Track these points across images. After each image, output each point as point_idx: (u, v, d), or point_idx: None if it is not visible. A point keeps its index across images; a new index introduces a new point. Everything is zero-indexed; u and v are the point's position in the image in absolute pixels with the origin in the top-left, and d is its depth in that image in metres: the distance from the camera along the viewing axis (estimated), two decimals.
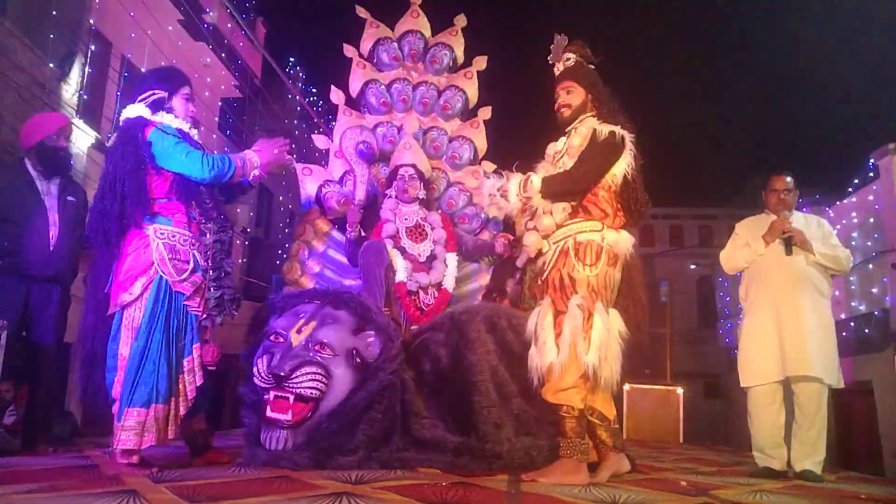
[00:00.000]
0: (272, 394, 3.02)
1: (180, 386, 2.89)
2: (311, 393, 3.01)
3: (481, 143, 5.18)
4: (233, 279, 3.18)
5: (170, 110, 3.09)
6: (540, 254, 3.00)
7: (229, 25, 12.91)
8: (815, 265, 3.70)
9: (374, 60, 5.21)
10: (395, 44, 5.23)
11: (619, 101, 3.06)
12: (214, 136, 11.96)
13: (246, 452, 3.13)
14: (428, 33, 5.31)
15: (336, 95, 5.02)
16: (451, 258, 4.51)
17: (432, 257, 4.45)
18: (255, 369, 3.07)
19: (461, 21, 5.38)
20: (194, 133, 3.16)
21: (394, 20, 5.32)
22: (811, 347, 3.56)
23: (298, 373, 2.99)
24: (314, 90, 15.94)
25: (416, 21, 5.29)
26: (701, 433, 11.27)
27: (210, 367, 3.09)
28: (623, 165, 2.89)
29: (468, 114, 5.30)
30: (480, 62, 5.32)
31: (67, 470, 2.79)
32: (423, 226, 4.52)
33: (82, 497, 2.13)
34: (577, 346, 2.71)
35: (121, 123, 3.08)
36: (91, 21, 8.74)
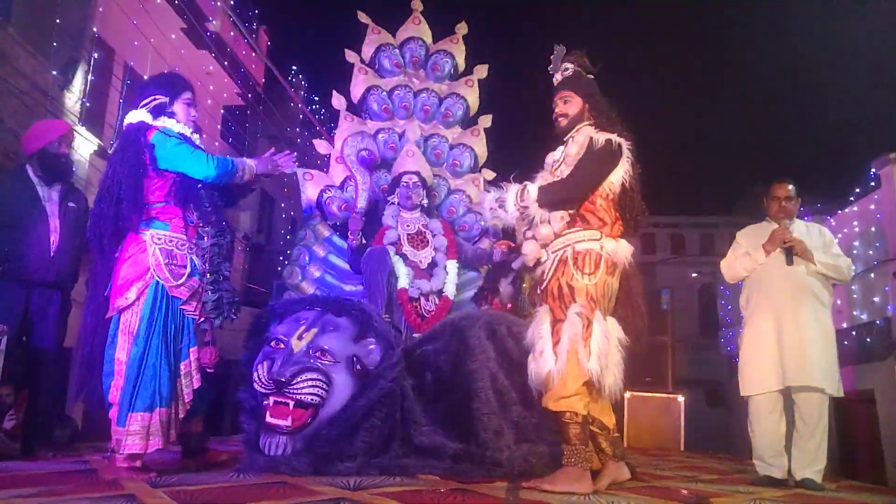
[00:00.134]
0: (272, 399, 3.02)
1: (178, 389, 2.90)
2: (312, 399, 3.00)
3: (482, 150, 5.20)
4: (231, 283, 3.17)
5: (171, 115, 3.10)
6: (538, 263, 2.99)
7: (232, 34, 12.99)
8: (815, 274, 3.69)
9: (376, 67, 5.23)
10: (397, 50, 5.25)
11: (617, 110, 3.06)
12: (217, 143, 12.00)
13: (245, 458, 3.12)
14: (429, 40, 5.34)
15: (337, 101, 5.03)
16: (452, 265, 4.52)
17: (433, 264, 4.46)
18: (255, 375, 3.07)
19: (462, 29, 5.40)
20: (196, 138, 3.17)
21: (395, 27, 5.35)
22: (812, 357, 3.55)
23: (299, 379, 2.99)
24: (316, 98, 16.01)
25: (418, 28, 5.31)
26: (702, 441, 11.24)
27: (209, 370, 3.09)
28: (620, 173, 2.88)
29: (469, 122, 5.32)
30: (481, 70, 5.35)
31: (66, 475, 2.79)
32: (425, 233, 4.54)
33: (80, 502, 2.13)
34: (578, 353, 2.69)
35: (123, 129, 3.10)
36: (94, 29, 8.80)
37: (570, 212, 2.91)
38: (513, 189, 2.97)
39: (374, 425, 3.09)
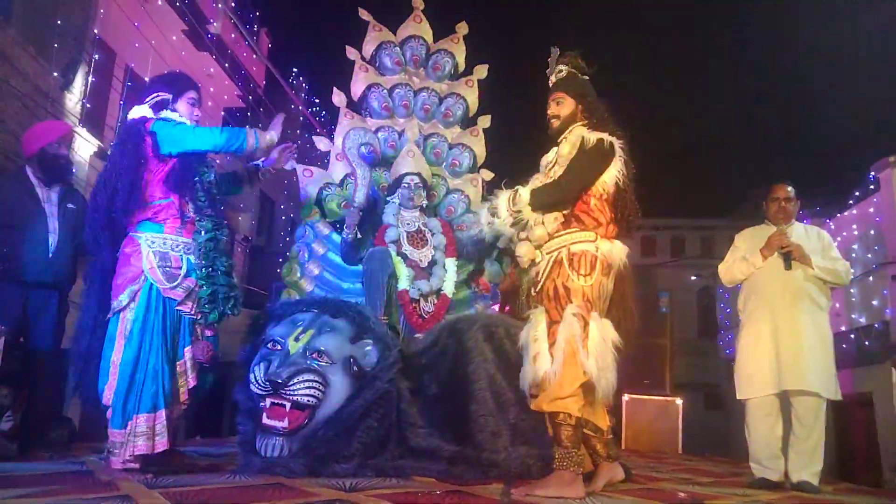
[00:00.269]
0: (268, 401, 3.02)
1: (176, 389, 2.91)
2: (308, 400, 3.01)
3: (480, 151, 5.21)
4: (231, 278, 3.15)
5: (173, 112, 3.11)
6: (533, 264, 2.98)
7: (233, 36, 13.00)
8: (813, 278, 3.69)
9: (377, 64, 5.23)
10: (398, 48, 5.25)
11: (610, 111, 3.06)
12: None
13: (241, 459, 3.13)
14: (430, 39, 5.34)
15: (338, 97, 5.04)
16: (451, 263, 4.54)
17: (433, 263, 4.48)
18: (251, 376, 3.07)
19: (463, 29, 5.41)
20: None
21: (396, 25, 5.35)
22: (808, 362, 3.54)
23: (295, 380, 3.00)
24: (317, 100, 16.02)
25: (419, 26, 5.31)
26: (701, 444, 11.23)
27: (204, 365, 3.09)
28: (614, 172, 2.88)
29: (468, 122, 5.33)
30: (481, 70, 5.36)
31: (62, 475, 2.80)
32: (424, 231, 4.55)
33: (76, 502, 2.13)
34: (577, 354, 2.69)
35: (124, 124, 3.12)
36: (95, 31, 8.81)
37: (564, 212, 2.90)
38: (504, 195, 2.96)
39: (371, 426, 3.10)
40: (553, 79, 3.14)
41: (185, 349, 2.96)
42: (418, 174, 4.57)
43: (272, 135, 3.17)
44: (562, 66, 3.11)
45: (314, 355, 3.11)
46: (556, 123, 3.07)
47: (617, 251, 2.87)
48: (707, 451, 9.15)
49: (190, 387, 2.98)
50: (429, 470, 3.09)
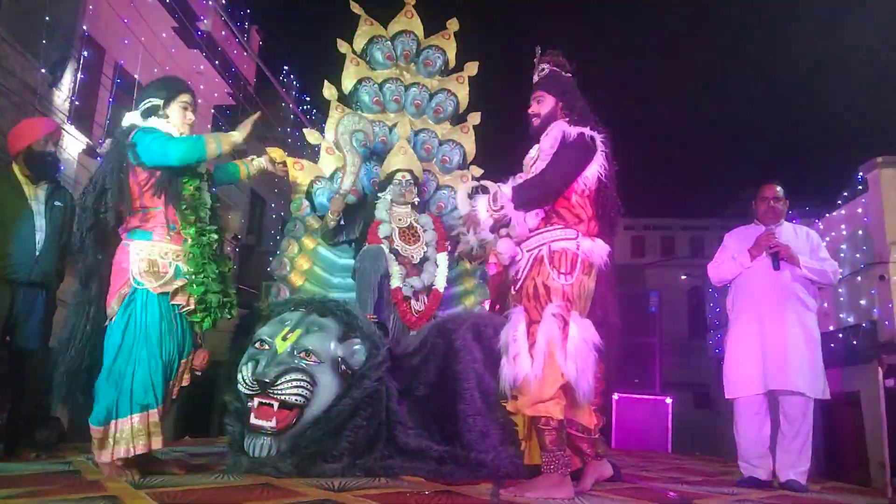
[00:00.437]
0: (256, 401, 3.00)
1: (169, 388, 2.91)
2: (296, 400, 2.99)
3: (470, 147, 5.21)
4: (225, 285, 3.13)
5: (163, 118, 3.08)
6: (513, 261, 2.95)
7: (223, 33, 12.95)
8: (801, 279, 3.71)
9: (368, 58, 5.21)
10: (389, 42, 5.24)
11: (592, 108, 3.04)
12: None
13: (229, 459, 3.12)
14: (421, 35, 5.33)
15: (328, 91, 5.02)
16: (442, 258, 4.54)
17: (424, 258, 4.48)
18: (239, 376, 3.05)
19: (453, 25, 5.40)
20: None
21: (387, 20, 5.33)
22: (794, 362, 3.56)
23: (283, 379, 2.98)
24: (308, 98, 15.98)
25: (410, 21, 5.30)
26: (690, 443, 11.27)
27: (197, 372, 3.08)
28: (595, 168, 2.86)
29: (458, 118, 5.33)
30: (472, 67, 5.35)
31: (49, 476, 2.78)
32: (416, 227, 4.55)
33: (63, 503, 2.12)
34: (555, 356, 2.65)
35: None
36: (84, 27, 8.75)
37: (546, 208, 2.88)
38: (482, 199, 2.92)
39: (359, 425, 3.08)
40: (535, 77, 3.14)
41: (188, 353, 2.97)
42: (410, 171, 4.56)
43: (236, 136, 3.13)
44: (543, 65, 3.11)
45: (302, 354, 3.10)
46: (536, 122, 3.07)
47: (598, 249, 2.83)
48: (696, 451, 9.19)
49: (183, 385, 2.98)
50: (418, 469, 3.08)
